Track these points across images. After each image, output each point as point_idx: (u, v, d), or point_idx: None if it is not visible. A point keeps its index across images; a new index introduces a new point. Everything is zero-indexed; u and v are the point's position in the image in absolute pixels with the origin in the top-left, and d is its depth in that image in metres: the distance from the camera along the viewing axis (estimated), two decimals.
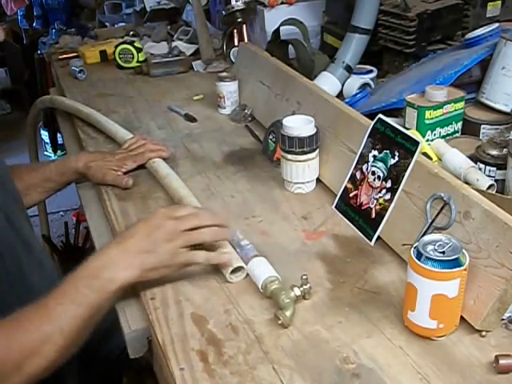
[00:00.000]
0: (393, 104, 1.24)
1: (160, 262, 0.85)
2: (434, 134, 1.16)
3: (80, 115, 1.54)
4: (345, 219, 1.04)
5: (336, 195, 1.08)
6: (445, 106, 1.15)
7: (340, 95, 1.49)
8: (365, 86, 1.50)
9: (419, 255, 0.74)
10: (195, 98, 1.67)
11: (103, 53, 2.06)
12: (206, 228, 0.89)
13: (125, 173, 1.22)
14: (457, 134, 1.19)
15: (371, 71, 1.55)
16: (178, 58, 1.91)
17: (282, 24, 1.66)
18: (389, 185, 0.96)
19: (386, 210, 0.96)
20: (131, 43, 1.99)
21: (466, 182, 0.98)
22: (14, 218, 1.00)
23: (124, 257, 0.83)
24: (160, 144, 1.32)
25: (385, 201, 0.97)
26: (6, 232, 0.96)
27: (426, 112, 1.14)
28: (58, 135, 3.21)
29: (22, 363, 0.76)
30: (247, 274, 0.91)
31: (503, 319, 0.78)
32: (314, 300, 0.86)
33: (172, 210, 0.91)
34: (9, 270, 0.93)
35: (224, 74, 1.56)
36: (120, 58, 1.97)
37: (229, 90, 1.52)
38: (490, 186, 0.98)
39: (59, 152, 3.44)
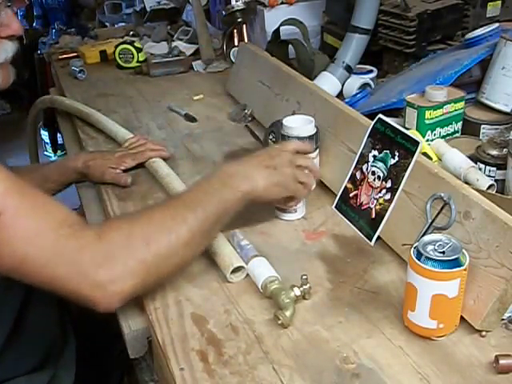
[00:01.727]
0: (393, 104, 1.24)
1: (282, 180, 0.92)
2: (434, 134, 1.16)
3: (80, 115, 1.54)
4: (345, 219, 1.04)
5: (336, 195, 1.08)
6: (445, 106, 1.15)
7: (340, 95, 1.49)
8: (365, 85, 1.50)
9: (419, 255, 0.74)
10: (195, 97, 1.67)
11: (103, 53, 2.06)
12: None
13: (124, 171, 1.22)
14: (457, 134, 1.19)
15: (371, 71, 1.55)
16: (178, 57, 1.91)
17: (282, 24, 1.65)
18: (389, 185, 0.96)
19: (386, 210, 0.96)
20: (131, 43, 1.99)
21: (466, 182, 0.98)
22: None
23: (252, 168, 0.90)
24: (160, 144, 1.32)
25: (385, 201, 0.97)
26: None
27: (426, 112, 1.14)
28: (58, 135, 3.21)
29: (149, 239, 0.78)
30: (247, 274, 0.91)
31: (503, 319, 0.78)
32: (314, 300, 0.86)
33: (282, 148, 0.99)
34: None
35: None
36: (120, 58, 1.97)
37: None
38: (490, 186, 0.98)
39: (59, 152, 3.43)
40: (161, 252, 0.79)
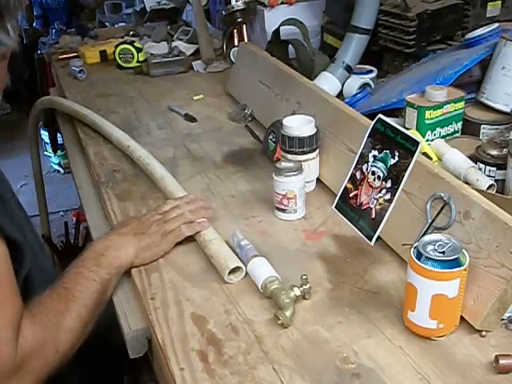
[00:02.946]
0: (393, 104, 1.24)
1: (152, 241, 0.97)
2: (434, 134, 1.16)
3: (77, 116, 1.54)
4: (345, 219, 1.04)
5: (336, 195, 1.08)
6: (445, 106, 1.15)
7: (340, 95, 1.49)
8: (365, 86, 1.50)
9: (419, 255, 0.74)
10: (195, 97, 1.67)
11: (103, 53, 2.06)
12: (187, 212, 1.01)
13: None
14: (457, 134, 1.19)
15: (371, 71, 1.55)
16: (178, 57, 1.91)
17: (282, 24, 1.66)
18: (389, 185, 0.96)
19: (386, 210, 0.96)
20: (131, 43, 1.99)
21: (466, 182, 0.98)
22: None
23: (122, 238, 0.97)
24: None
25: (385, 201, 0.97)
26: (34, 235, 1.02)
27: (426, 112, 1.14)
28: (58, 135, 3.21)
29: (59, 344, 0.82)
30: (246, 274, 0.91)
31: (503, 319, 0.78)
32: (314, 300, 0.86)
33: (157, 209, 1.05)
34: (37, 267, 0.96)
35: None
36: (120, 58, 1.97)
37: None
38: (490, 186, 0.98)
39: (59, 152, 3.43)
40: (66, 350, 0.84)
